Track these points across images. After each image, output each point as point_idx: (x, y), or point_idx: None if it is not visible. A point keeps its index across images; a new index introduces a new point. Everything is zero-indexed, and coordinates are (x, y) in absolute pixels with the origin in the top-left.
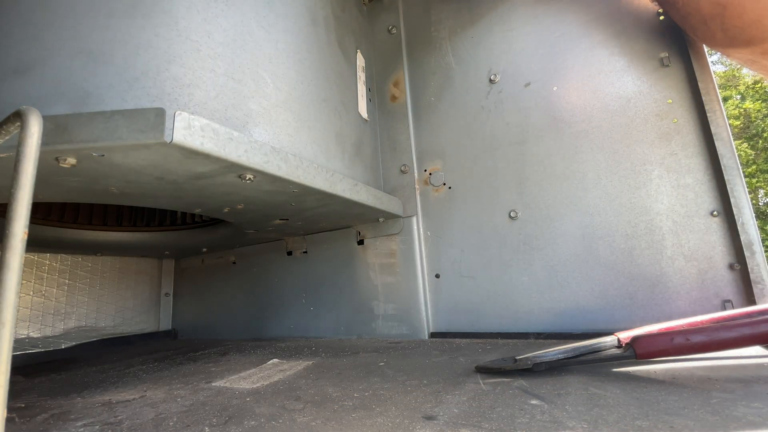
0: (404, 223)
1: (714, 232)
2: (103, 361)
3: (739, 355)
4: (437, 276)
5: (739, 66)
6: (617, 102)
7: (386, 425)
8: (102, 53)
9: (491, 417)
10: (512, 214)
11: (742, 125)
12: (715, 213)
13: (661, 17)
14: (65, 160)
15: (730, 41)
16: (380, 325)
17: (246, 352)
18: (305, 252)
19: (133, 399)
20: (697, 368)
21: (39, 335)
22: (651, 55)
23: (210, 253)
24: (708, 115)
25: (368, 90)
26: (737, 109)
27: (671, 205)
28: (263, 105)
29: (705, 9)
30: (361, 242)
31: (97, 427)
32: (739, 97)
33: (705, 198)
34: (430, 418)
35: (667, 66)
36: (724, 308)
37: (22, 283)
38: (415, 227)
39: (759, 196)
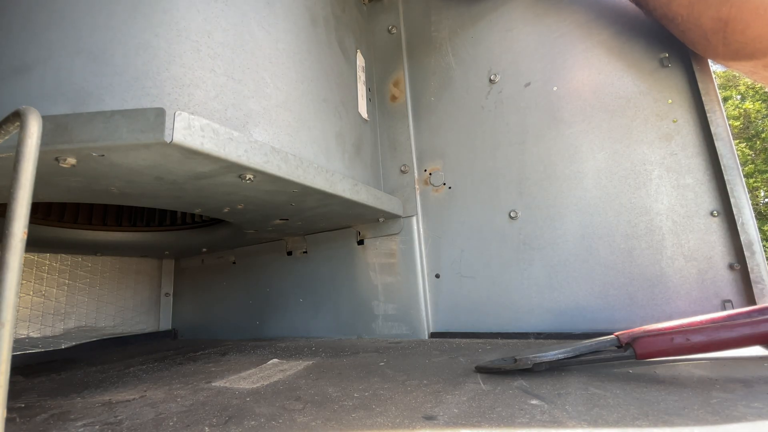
0: (404, 223)
1: (714, 232)
2: (103, 361)
3: (739, 355)
4: (437, 276)
5: None
6: (617, 102)
7: (386, 425)
8: (102, 53)
9: (491, 417)
10: (512, 214)
11: (741, 126)
12: (715, 213)
13: None
14: (65, 160)
15: (733, 55)
16: (380, 325)
17: (246, 352)
18: (305, 252)
19: (133, 399)
20: (697, 368)
21: (39, 335)
22: (651, 55)
23: (210, 253)
24: (708, 115)
25: (368, 90)
26: (737, 110)
27: (671, 205)
28: (263, 105)
29: (706, 24)
30: (361, 242)
31: (97, 427)
32: (739, 97)
33: (705, 198)
34: (430, 418)
35: (667, 66)
36: (724, 308)
37: (22, 283)
38: (415, 227)
39: (759, 196)
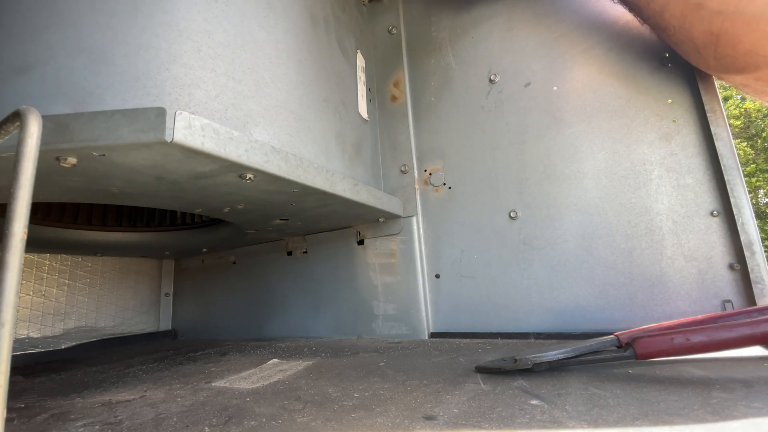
0: (404, 223)
1: (714, 232)
2: (103, 361)
3: (739, 355)
4: (437, 276)
5: None
6: (617, 102)
7: (386, 425)
8: (103, 53)
9: (491, 417)
10: (512, 214)
11: (742, 125)
12: (715, 213)
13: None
14: (66, 159)
15: (724, 68)
16: (380, 325)
17: (246, 352)
18: (305, 252)
19: (133, 399)
20: (697, 368)
21: (39, 335)
22: (651, 54)
23: (210, 253)
24: (708, 115)
25: (368, 90)
26: (738, 109)
27: (671, 205)
28: (263, 105)
29: (697, 38)
30: (361, 242)
31: (97, 427)
32: (739, 96)
33: (705, 198)
34: (430, 418)
35: (668, 66)
36: (724, 308)
37: (22, 283)
38: (415, 227)
39: (759, 196)
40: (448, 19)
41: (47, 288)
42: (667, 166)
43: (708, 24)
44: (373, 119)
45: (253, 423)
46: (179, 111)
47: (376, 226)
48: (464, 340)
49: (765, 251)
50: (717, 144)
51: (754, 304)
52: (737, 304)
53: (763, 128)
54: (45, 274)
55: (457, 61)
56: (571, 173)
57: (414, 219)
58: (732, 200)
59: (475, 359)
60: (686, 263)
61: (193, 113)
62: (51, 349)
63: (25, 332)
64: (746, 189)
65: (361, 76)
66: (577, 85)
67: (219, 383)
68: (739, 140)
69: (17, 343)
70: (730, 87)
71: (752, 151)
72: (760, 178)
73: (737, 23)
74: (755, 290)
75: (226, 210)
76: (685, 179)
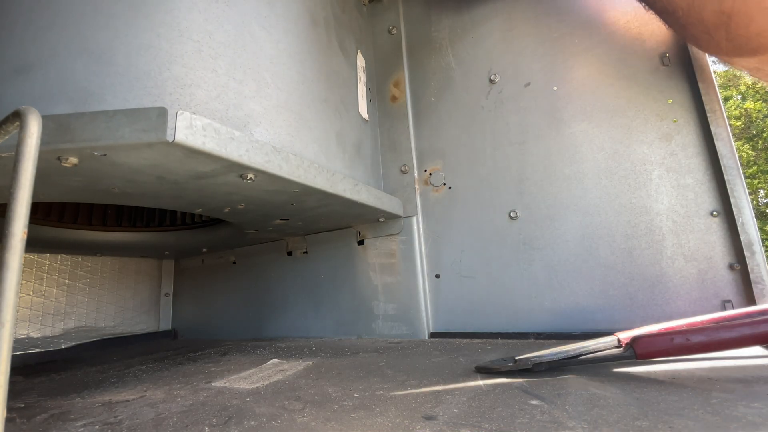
0: (404, 223)
1: (714, 232)
2: (103, 361)
3: (739, 355)
4: (437, 276)
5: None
6: (617, 102)
7: (386, 425)
8: (104, 53)
9: (491, 417)
10: (512, 214)
11: (743, 125)
12: (715, 213)
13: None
14: (67, 159)
15: (736, 50)
16: (380, 325)
17: (246, 352)
18: (305, 252)
19: (133, 399)
20: (697, 368)
21: (39, 335)
22: (651, 54)
23: (210, 253)
24: (708, 115)
25: (368, 90)
26: (738, 110)
27: (671, 205)
28: (264, 105)
29: (708, 19)
30: (361, 242)
31: (97, 427)
32: (739, 97)
33: (705, 198)
34: (430, 418)
35: (667, 66)
36: (724, 308)
37: (22, 283)
38: (415, 227)
39: (759, 196)
40: (448, 18)
41: (47, 288)
42: (667, 166)
43: (719, 4)
44: (373, 119)
45: (253, 423)
46: (180, 111)
47: (376, 226)
48: (464, 340)
49: (765, 251)
50: (717, 144)
51: (754, 304)
52: (737, 304)
53: (763, 128)
54: (45, 274)
55: (457, 61)
56: (571, 173)
57: (414, 219)
58: (732, 200)
59: (475, 359)
60: (686, 263)
61: (194, 113)
62: (51, 349)
63: (25, 332)
64: (746, 189)
65: (361, 76)
66: (577, 85)
67: (219, 383)
68: (741, 141)
69: (17, 343)
70: (730, 87)
71: (754, 153)
72: (761, 180)
73: (750, 2)
74: (755, 290)
75: (226, 210)
76: (685, 179)
